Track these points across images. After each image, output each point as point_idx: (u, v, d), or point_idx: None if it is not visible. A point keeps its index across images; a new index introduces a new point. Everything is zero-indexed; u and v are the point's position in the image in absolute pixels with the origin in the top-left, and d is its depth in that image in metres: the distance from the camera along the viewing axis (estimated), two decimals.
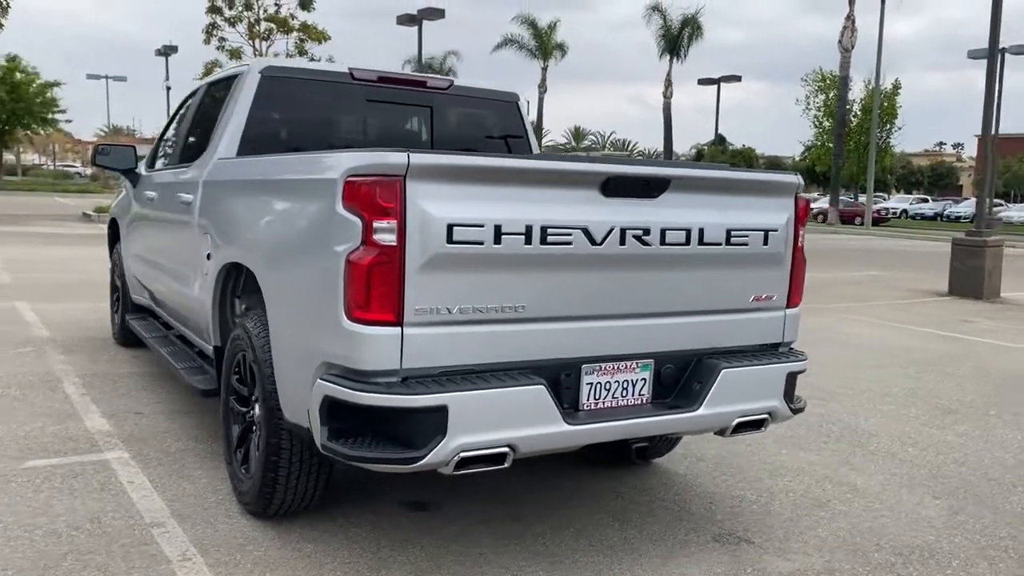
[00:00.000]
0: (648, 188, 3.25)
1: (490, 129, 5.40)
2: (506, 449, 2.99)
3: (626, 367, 3.36)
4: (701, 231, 3.39)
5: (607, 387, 3.33)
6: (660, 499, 4.23)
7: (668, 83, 50.48)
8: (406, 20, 29.46)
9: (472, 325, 2.99)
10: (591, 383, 3.29)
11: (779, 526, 3.96)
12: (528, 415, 3.02)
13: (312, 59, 27.52)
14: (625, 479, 4.48)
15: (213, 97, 5.15)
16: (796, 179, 3.68)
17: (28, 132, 43.60)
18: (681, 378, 3.50)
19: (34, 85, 41.37)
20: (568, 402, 3.24)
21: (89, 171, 61.75)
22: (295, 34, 27.58)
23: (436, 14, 28.65)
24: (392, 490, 4.10)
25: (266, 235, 3.56)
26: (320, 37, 27.68)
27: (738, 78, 46.80)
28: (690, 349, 3.50)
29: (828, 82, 49.02)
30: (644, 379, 3.41)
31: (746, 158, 73.75)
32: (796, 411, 3.76)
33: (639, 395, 3.41)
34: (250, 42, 27.39)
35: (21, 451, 4.52)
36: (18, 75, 40.38)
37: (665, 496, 4.27)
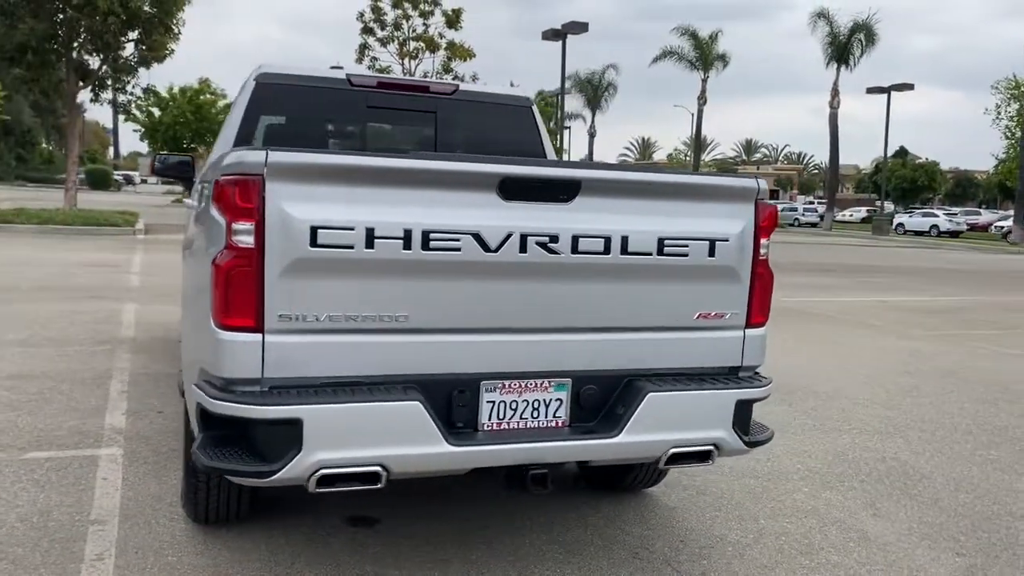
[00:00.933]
0: (557, 191, 2.97)
1: (500, 134, 5.20)
2: (377, 468, 2.80)
3: (536, 386, 3.08)
4: (624, 239, 3.06)
5: (513, 407, 3.07)
6: (626, 533, 3.88)
7: (835, 93, 48.06)
8: (551, 35, 29.55)
9: (345, 334, 2.82)
10: (493, 401, 3.04)
11: (745, 574, 3.53)
12: (400, 433, 2.81)
13: (456, 77, 28.17)
14: (603, 508, 4.15)
15: (232, 105, 5.26)
16: (754, 184, 3.27)
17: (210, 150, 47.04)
18: (608, 400, 3.18)
19: (217, 105, 44.63)
20: (463, 421, 3.01)
21: None
22: (442, 52, 28.28)
23: (579, 28, 28.53)
24: (347, 505, 3.98)
25: (185, 238, 3.55)
26: (465, 55, 28.28)
27: (911, 86, 43.49)
28: (617, 369, 3.17)
29: (1022, 89, 45.10)
30: (560, 400, 3.12)
31: (928, 172, 69.08)
32: (753, 444, 3.33)
33: (554, 417, 3.12)
34: (400, 61, 28.35)
35: (29, 443, 4.75)
36: (204, 96, 43.76)
37: (633, 531, 3.91)
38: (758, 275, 3.31)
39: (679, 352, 3.25)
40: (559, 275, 3.01)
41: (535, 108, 5.16)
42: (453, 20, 28.15)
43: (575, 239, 2.99)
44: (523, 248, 2.93)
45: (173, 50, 23.67)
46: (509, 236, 2.90)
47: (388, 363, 2.89)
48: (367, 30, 28.56)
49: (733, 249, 3.23)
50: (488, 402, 3.03)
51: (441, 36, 28.48)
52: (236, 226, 2.70)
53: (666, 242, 3.12)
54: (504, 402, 3.05)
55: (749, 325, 3.34)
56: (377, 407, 2.78)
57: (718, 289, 3.25)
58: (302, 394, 2.75)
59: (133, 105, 27.17)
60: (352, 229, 2.75)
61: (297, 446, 2.71)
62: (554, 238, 2.96)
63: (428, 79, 5.53)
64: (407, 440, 2.81)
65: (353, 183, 2.77)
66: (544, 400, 3.10)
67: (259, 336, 2.74)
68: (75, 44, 21.97)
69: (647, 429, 3.09)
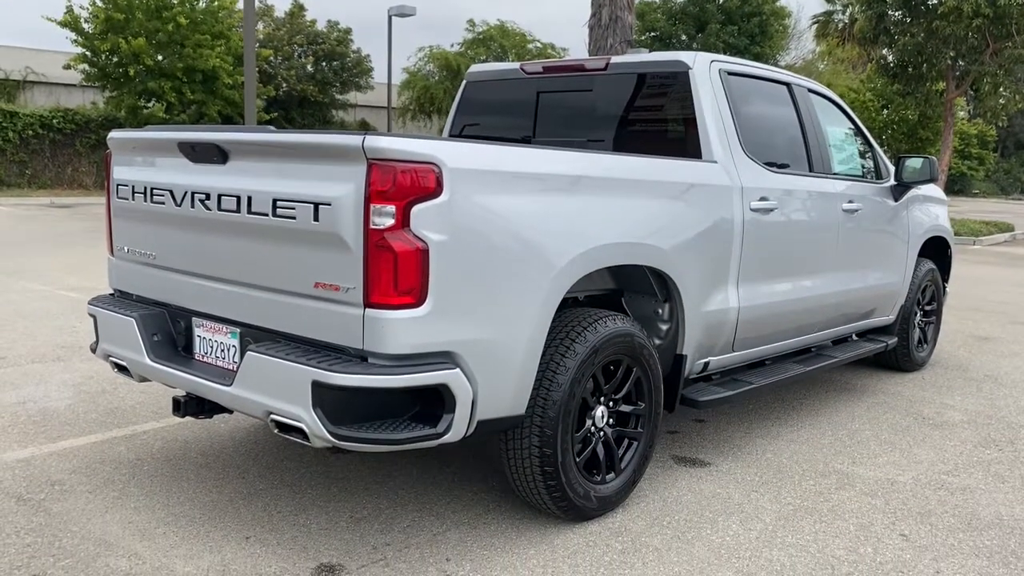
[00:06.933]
0: (211, 154, 3.30)
1: (651, 106, 4.53)
2: (125, 363, 3.74)
3: (220, 330, 3.45)
4: (249, 199, 3.17)
5: (211, 345, 3.51)
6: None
7: None
8: None
9: (136, 264, 3.84)
10: (201, 337, 3.55)
11: None
12: (127, 341, 3.66)
13: None
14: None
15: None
16: (356, 142, 2.81)
17: None
18: None
19: None
20: (183, 347, 3.64)
21: None
22: None
23: None
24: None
25: None
26: None
27: None
28: (260, 326, 3.26)
29: None
30: (234, 346, 3.40)
31: None
32: (342, 438, 2.89)
33: (232, 361, 3.42)
34: None
35: None
36: None
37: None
38: (373, 247, 2.86)
39: (301, 321, 3.12)
40: (214, 230, 3.37)
41: (694, 73, 4.33)
42: None
43: (220, 197, 3.30)
44: (193, 204, 3.41)
45: None
46: (186, 193, 3.43)
47: (153, 289, 3.77)
48: None
49: (336, 215, 2.92)
50: (199, 336, 3.58)
51: None
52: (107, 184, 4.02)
53: (278, 203, 3.09)
54: (206, 339, 3.54)
55: (371, 304, 2.90)
56: (115, 317, 3.73)
57: (329, 258, 2.98)
58: (104, 301, 3.91)
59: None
60: (128, 185, 3.76)
61: (98, 337, 3.90)
62: (208, 196, 3.34)
63: (584, 58, 4.75)
64: (130, 347, 3.67)
65: (137, 152, 3.78)
66: (225, 344, 3.45)
67: (114, 259, 4.01)
68: (949, 52, 21.94)
69: (249, 386, 3.15)
